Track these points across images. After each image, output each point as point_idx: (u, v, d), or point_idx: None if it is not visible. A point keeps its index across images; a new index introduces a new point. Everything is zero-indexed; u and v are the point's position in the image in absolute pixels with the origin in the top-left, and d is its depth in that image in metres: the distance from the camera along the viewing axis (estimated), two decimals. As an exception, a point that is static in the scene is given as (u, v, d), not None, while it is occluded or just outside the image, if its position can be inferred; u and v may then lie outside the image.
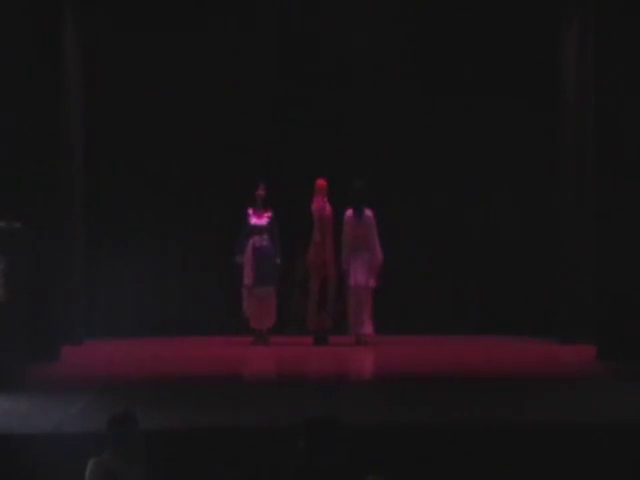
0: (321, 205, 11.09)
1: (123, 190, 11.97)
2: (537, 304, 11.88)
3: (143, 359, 10.36)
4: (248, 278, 11.07)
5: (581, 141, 11.11)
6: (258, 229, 11.12)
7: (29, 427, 6.98)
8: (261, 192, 11.11)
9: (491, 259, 12.07)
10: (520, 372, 9.51)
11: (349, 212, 11.10)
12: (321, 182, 11.14)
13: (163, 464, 6.30)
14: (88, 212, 11.55)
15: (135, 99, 11.94)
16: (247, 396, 8.44)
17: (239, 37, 12.06)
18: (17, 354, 8.64)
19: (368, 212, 11.09)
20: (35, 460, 6.48)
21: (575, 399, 8.11)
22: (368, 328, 11.01)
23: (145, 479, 5.37)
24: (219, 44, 12.01)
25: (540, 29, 11.83)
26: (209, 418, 7.29)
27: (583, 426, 7.14)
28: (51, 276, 9.96)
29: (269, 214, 11.17)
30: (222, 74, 12.02)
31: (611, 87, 10.01)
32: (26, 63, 9.76)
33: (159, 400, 7.93)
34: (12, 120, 9.71)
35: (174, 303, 12.00)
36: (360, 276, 10.96)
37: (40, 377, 8.89)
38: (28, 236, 8.88)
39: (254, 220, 11.15)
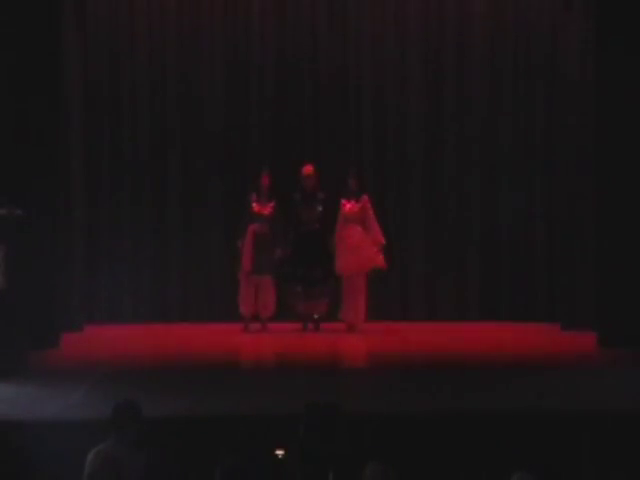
0: None
1: (123, 175, 11.94)
2: (538, 290, 11.86)
3: (144, 345, 10.40)
4: (246, 264, 11.14)
5: (581, 129, 11.09)
6: (260, 217, 11.16)
7: (30, 415, 7.08)
8: (265, 181, 11.14)
9: (492, 244, 12.06)
10: (520, 359, 9.55)
11: (343, 199, 11.21)
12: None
13: (164, 451, 6.39)
14: (88, 197, 11.56)
15: (136, 88, 11.94)
16: (248, 383, 8.52)
17: (240, 24, 12.09)
18: (17, 341, 8.71)
19: (364, 196, 11.18)
20: (36, 448, 6.58)
21: (576, 386, 8.18)
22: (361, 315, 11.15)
23: (147, 466, 5.45)
24: (221, 31, 12.04)
25: (540, 20, 11.87)
26: (210, 405, 7.38)
27: (583, 413, 7.21)
28: (51, 263, 9.98)
29: (272, 204, 11.21)
30: (227, 62, 12.06)
31: (613, 81, 10.07)
32: (26, 50, 9.74)
33: (160, 387, 8.00)
34: (12, 106, 9.73)
35: (175, 288, 11.98)
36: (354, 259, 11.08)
37: (41, 364, 8.95)
38: (28, 223, 8.93)
39: (257, 208, 11.19)
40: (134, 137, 12.00)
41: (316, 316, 11.22)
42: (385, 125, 12.15)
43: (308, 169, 11.23)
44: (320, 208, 11.18)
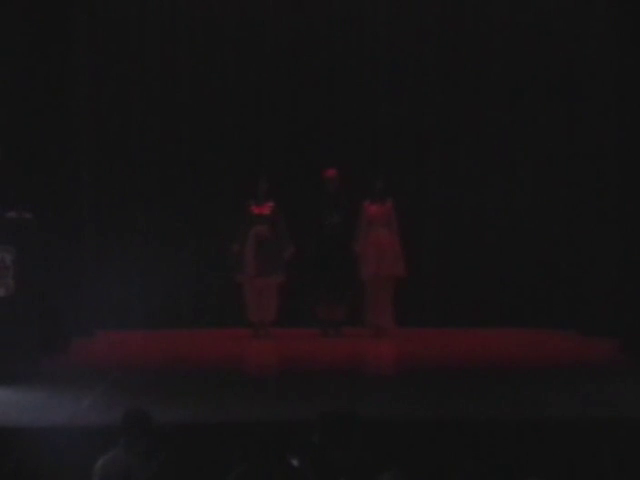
0: None
1: (132, 181, 11.98)
2: (560, 295, 11.79)
3: (154, 351, 10.48)
4: (249, 268, 11.18)
5: (604, 127, 11.06)
6: (260, 219, 11.19)
7: (40, 420, 7.15)
8: (263, 185, 11.18)
9: (512, 249, 12.03)
10: (542, 365, 9.58)
11: (367, 202, 11.27)
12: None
13: (175, 459, 6.43)
14: (97, 202, 11.66)
15: (141, 92, 12.00)
16: (261, 389, 8.55)
17: (244, 26, 12.14)
18: (28, 347, 8.75)
19: (389, 201, 11.27)
20: (46, 454, 6.60)
21: (598, 393, 8.20)
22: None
23: (157, 475, 5.48)
24: (225, 33, 12.11)
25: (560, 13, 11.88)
26: (221, 412, 7.45)
27: (607, 421, 7.22)
28: (61, 267, 10.06)
29: (271, 204, 11.25)
30: (230, 63, 12.14)
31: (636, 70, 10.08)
32: (33, 55, 9.84)
33: (170, 394, 8.09)
34: (20, 110, 9.78)
35: (186, 294, 12.02)
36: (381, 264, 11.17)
37: (51, 370, 9.00)
38: (38, 227, 8.98)
39: (256, 210, 11.20)
40: (144, 142, 12.03)
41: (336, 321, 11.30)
42: (401, 128, 12.14)
43: (331, 172, 11.30)
44: (342, 212, 11.24)
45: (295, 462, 5.45)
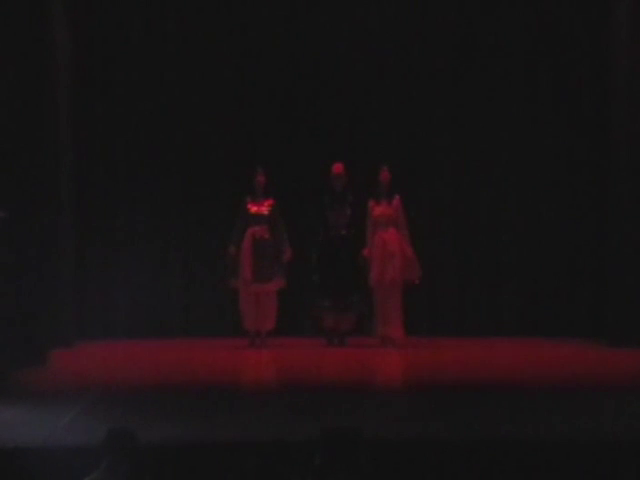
0: None
1: (116, 182, 11.96)
2: (584, 303, 11.86)
3: (140, 363, 10.45)
4: (246, 273, 10.87)
5: (635, 130, 11.00)
6: (258, 218, 10.99)
7: (14, 440, 6.94)
8: (260, 178, 10.94)
9: (535, 254, 12.02)
10: (565, 379, 9.47)
11: (372, 202, 11.02)
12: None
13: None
14: (79, 202, 11.57)
15: (127, 86, 11.98)
16: (257, 405, 8.46)
17: (241, 19, 12.11)
18: (0, 359, 8.67)
19: (396, 197, 10.98)
20: (21, 477, 6.47)
21: (626, 409, 8.00)
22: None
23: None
24: (221, 26, 12.09)
25: (587, 7, 11.81)
26: (214, 430, 7.29)
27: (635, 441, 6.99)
28: (38, 272, 9.95)
29: (270, 202, 10.98)
30: (224, 57, 12.12)
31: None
32: (12, 50, 9.79)
33: (158, 410, 7.98)
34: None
35: (175, 301, 12.04)
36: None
37: (26, 384, 8.97)
38: (12, 227, 8.85)
39: (254, 208, 10.99)
40: (129, 142, 12.00)
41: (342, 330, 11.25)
42: (412, 131, 12.13)
43: (338, 168, 11.15)
44: (349, 211, 10.97)
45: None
